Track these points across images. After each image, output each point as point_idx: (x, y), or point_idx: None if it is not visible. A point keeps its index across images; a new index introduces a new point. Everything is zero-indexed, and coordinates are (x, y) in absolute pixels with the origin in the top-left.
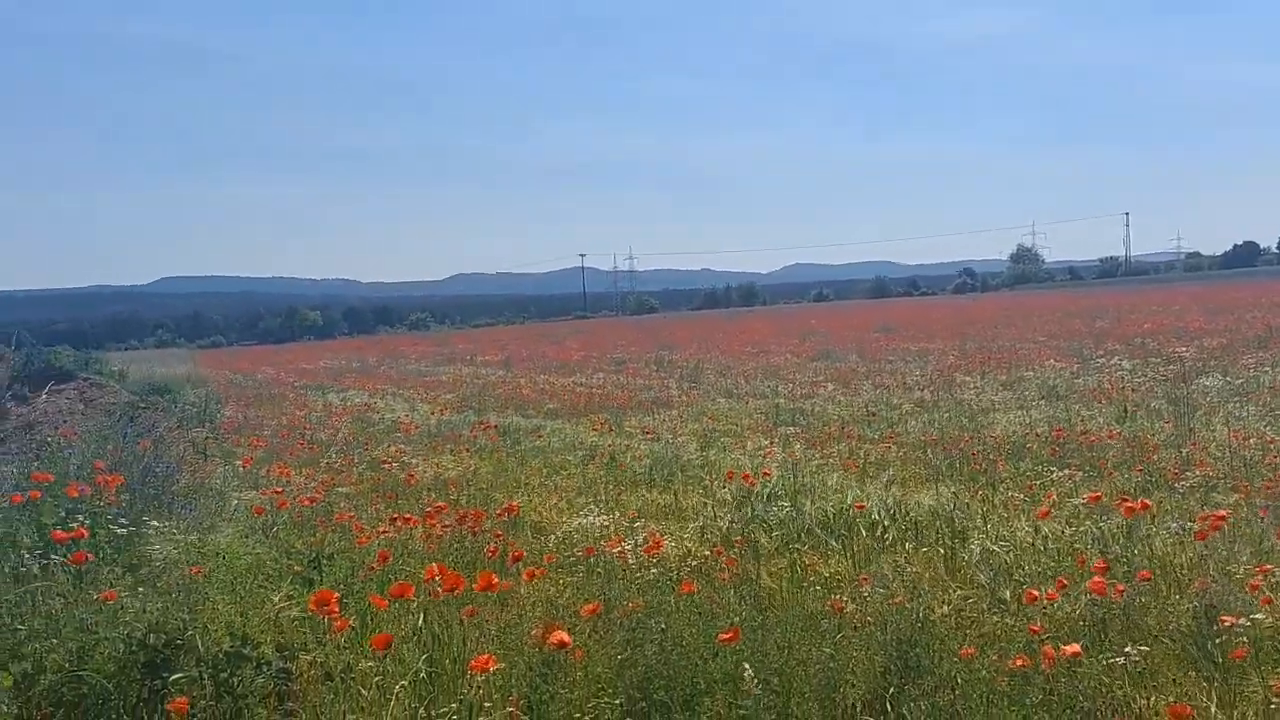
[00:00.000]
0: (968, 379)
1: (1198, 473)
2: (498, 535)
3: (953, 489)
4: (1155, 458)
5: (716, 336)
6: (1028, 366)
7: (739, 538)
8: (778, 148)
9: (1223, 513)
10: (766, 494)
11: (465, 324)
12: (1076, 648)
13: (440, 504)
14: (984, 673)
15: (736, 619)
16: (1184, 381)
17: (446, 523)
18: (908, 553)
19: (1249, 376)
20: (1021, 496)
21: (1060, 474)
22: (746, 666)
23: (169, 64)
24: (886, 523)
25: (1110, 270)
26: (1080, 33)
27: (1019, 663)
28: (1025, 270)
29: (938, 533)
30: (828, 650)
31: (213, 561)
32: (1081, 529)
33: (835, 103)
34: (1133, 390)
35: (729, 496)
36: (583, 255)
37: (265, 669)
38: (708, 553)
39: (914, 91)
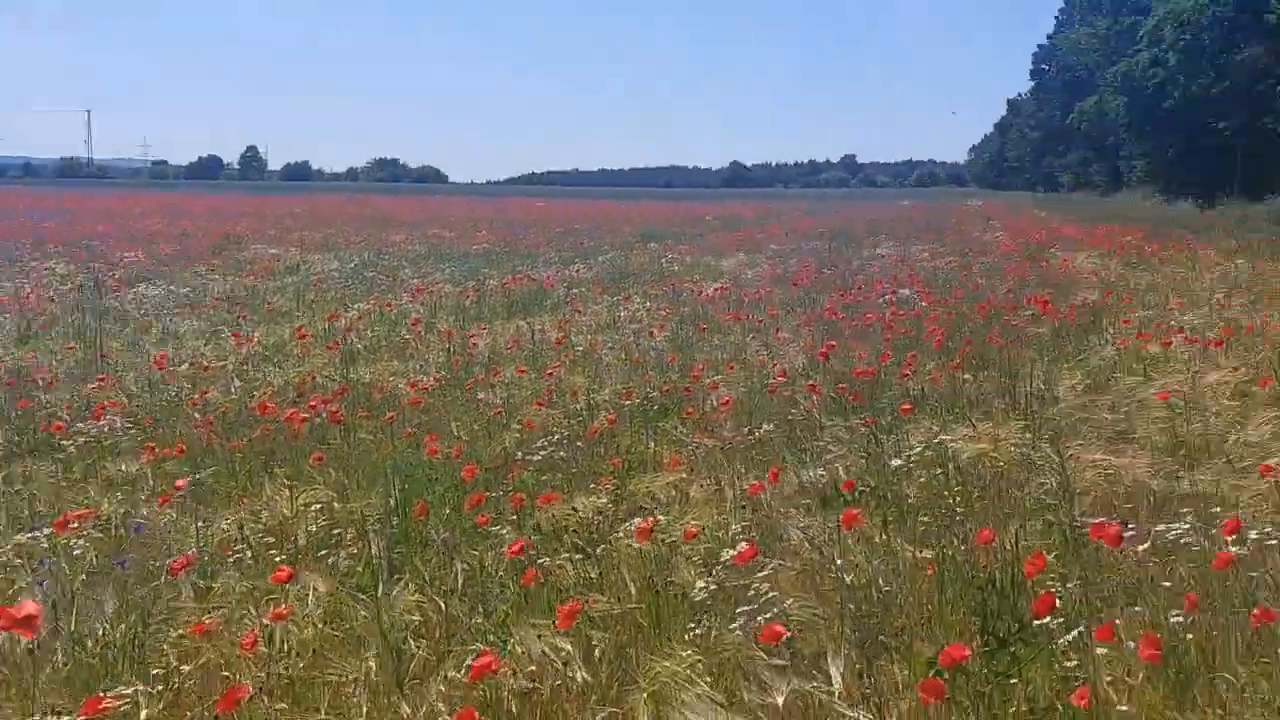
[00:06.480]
0: None
1: (96, 424)
2: None
3: None
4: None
5: None
6: None
7: None
8: None
9: None
10: None
11: None
12: None
13: None
14: None
15: None
16: (100, 293)
17: None
18: None
19: (198, 285)
20: None
21: None
22: None
23: None
24: None
25: (72, 170)
26: None
27: None
28: None
29: None
30: None
31: None
32: None
33: None
34: (54, 300)
35: None
36: None
37: None
38: None
39: None
